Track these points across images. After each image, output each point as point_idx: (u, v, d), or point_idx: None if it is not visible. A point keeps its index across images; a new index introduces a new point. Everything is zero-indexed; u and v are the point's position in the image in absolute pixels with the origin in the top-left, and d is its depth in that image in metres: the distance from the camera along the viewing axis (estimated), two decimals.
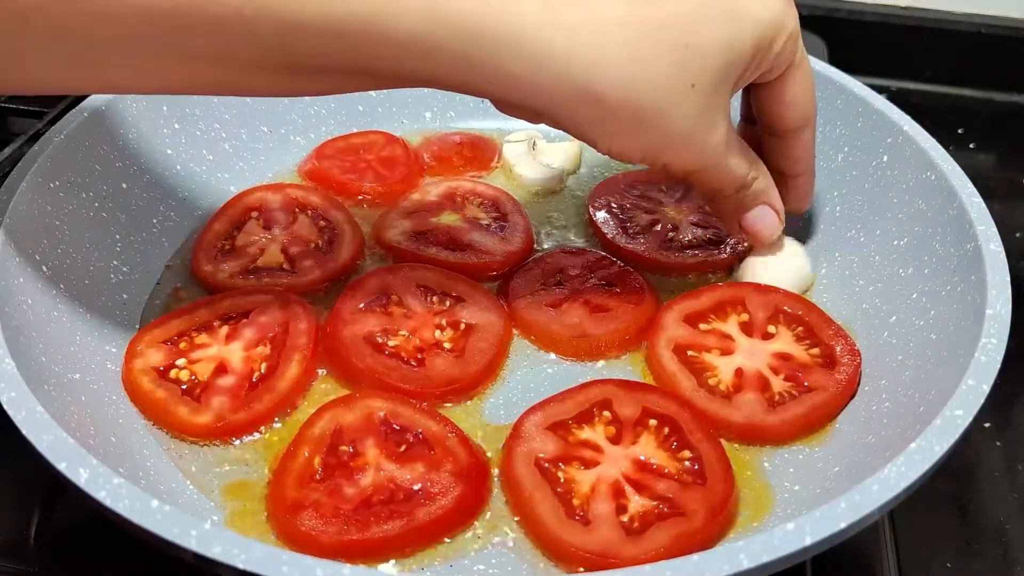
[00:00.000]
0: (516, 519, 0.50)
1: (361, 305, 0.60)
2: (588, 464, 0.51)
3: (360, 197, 0.72)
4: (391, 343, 0.58)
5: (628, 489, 0.49)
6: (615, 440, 0.52)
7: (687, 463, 0.51)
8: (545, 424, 0.52)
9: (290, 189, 0.70)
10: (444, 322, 0.60)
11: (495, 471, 0.52)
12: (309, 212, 0.69)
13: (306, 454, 0.50)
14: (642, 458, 0.51)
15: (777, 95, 0.56)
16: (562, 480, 0.50)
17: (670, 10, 0.47)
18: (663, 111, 0.48)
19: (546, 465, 0.50)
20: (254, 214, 0.68)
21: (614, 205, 0.70)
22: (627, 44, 0.46)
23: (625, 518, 0.48)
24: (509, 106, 0.49)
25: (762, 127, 0.60)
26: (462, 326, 0.59)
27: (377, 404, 0.53)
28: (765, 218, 0.59)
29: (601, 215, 0.69)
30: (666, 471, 0.50)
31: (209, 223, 0.67)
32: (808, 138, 0.59)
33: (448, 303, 0.61)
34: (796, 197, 0.62)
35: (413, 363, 0.57)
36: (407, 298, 0.61)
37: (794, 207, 0.62)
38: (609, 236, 0.67)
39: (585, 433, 0.52)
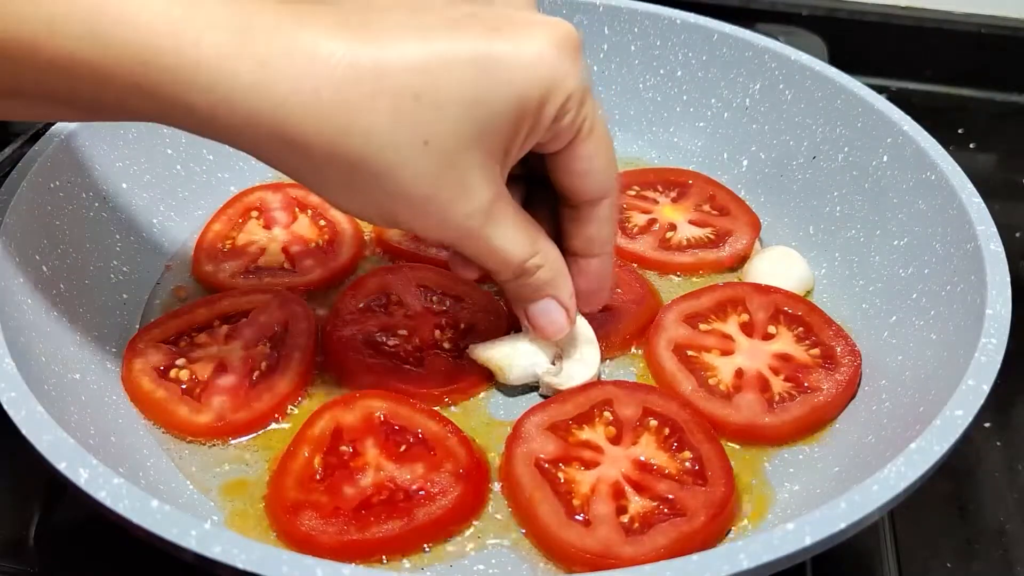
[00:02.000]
0: (516, 519, 0.50)
1: (360, 305, 0.60)
2: (588, 465, 0.51)
3: None
4: (390, 343, 0.58)
5: (628, 490, 0.49)
6: (615, 441, 0.52)
7: (687, 464, 0.51)
8: (545, 425, 0.52)
9: (290, 188, 0.70)
10: (443, 322, 0.60)
11: (495, 471, 0.52)
12: (309, 211, 0.69)
13: (306, 454, 0.50)
14: (642, 459, 0.51)
15: (565, 165, 0.48)
16: (562, 481, 0.50)
17: (395, 53, 0.40)
18: (386, 169, 0.42)
19: (546, 466, 0.50)
20: (254, 213, 0.68)
21: None
22: (335, 86, 0.39)
23: (625, 519, 0.48)
24: (241, 149, 0.43)
25: (560, 201, 0.51)
26: (461, 326, 0.59)
27: (377, 404, 0.53)
28: (550, 313, 0.52)
29: None
30: (666, 472, 0.50)
31: (209, 223, 0.67)
32: (604, 215, 0.50)
33: (447, 303, 0.61)
34: (588, 287, 0.53)
35: (412, 363, 0.57)
36: (406, 298, 0.61)
37: (585, 301, 0.54)
38: None
39: (585, 434, 0.52)
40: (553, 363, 0.55)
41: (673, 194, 0.71)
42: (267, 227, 0.67)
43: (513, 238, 0.47)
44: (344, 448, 0.51)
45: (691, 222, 0.69)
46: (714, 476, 0.50)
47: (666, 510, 0.48)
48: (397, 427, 0.52)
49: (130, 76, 0.39)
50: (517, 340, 0.55)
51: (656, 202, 0.71)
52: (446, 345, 0.58)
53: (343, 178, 0.42)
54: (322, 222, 0.68)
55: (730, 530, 0.49)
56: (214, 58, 0.38)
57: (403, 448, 0.51)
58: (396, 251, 0.66)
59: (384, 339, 0.58)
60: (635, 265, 0.65)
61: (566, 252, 0.52)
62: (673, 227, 0.68)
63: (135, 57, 0.38)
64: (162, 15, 0.38)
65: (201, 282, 0.64)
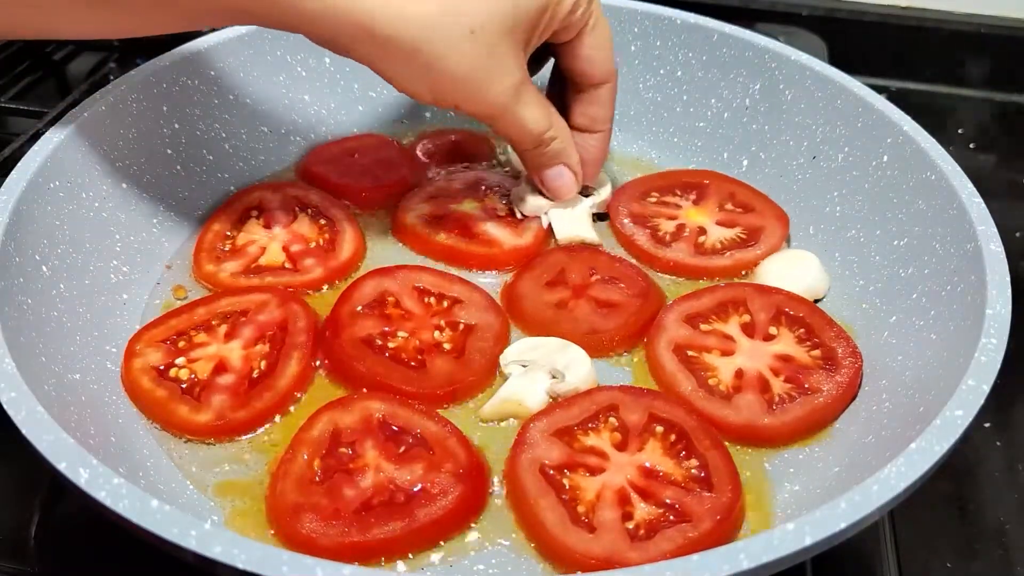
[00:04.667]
0: (520, 525, 0.49)
1: (359, 308, 0.60)
2: (594, 471, 0.51)
3: (363, 195, 0.72)
4: (391, 345, 0.58)
5: (634, 496, 0.49)
6: (621, 447, 0.52)
7: (694, 470, 0.50)
8: (550, 430, 0.52)
9: (289, 188, 0.70)
10: (443, 323, 0.59)
11: (495, 472, 0.52)
12: (309, 210, 0.69)
13: (305, 456, 0.50)
14: (648, 465, 0.51)
15: (575, 52, 0.60)
16: (567, 487, 0.50)
17: None
18: (439, 53, 0.52)
19: (551, 472, 0.50)
20: (254, 213, 0.68)
21: (636, 214, 0.69)
22: None
23: (631, 525, 0.48)
24: (320, 41, 0.53)
25: (569, 86, 0.64)
26: (460, 326, 0.59)
27: (375, 405, 0.53)
28: (562, 177, 0.64)
29: (628, 227, 0.68)
30: (672, 478, 0.50)
31: (209, 223, 0.67)
32: (605, 97, 0.63)
33: (446, 303, 0.61)
34: (587, 158, 0.65)
35: (414, 364, 0.57)
36: (404, 300, 0.61)
37: (583, 173, 0.65)
38: (644, 247, 0.66)
39: (591, 439, 0.52)
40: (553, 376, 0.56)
41: (693, 196, 0.71)
42: (267, 226, 0.67)
43: (535, 113, 0.59)
44: (343, 450, 0.51)
45: (719, 223, 0.68)
46: (720, 482, 0.49)
47: (672, 516, 0.48)
48: (396, 428, 0.52)
49: None
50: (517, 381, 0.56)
51: (679, 206, 0.70)
52: (447, 346, 0.58)
53: (402, 61, 0.53)
54: (322, 221, 0.68)
55: (736, 537, 0.49)
56: None
57: (402, 449, 0.51)
58: (406, 232, 0.68)
59: (384, 341, 0.58)
60: (673, 273, 0.65)
61: (572, 129, 0.64)
62: (703, 230, 0.67)
63: None
64: None
65: (203, 282, 0.64)
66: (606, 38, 0.60)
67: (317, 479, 0.49)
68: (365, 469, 0.50)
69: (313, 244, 0.66)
